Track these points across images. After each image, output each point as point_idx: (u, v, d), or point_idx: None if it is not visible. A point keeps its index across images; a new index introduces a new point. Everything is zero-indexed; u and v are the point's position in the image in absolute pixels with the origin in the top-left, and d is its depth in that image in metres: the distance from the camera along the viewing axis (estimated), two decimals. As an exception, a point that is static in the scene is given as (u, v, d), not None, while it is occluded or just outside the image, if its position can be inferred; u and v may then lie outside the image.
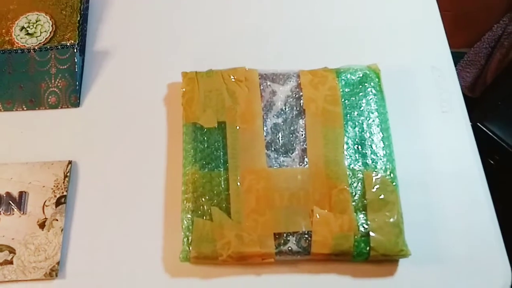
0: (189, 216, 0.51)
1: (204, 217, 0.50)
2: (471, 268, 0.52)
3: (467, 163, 0.57)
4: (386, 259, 0.51)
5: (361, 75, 0.58)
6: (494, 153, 0.96)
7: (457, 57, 1.17)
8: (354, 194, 0.52)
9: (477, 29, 1.15)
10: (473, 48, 1.15)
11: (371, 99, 0.57)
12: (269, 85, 0.57)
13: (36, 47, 0.60)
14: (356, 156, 0.53)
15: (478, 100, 1.05)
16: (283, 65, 0.59)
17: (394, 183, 0.52)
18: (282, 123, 0.55)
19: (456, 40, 1.18)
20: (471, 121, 0.62)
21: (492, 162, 0.99)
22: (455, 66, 1.16)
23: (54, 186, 0.54)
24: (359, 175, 0.52)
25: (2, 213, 0.53)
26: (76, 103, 0.59)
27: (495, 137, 0.88)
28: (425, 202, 0.55)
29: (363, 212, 0.51)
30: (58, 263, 0.50)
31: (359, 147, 0.54)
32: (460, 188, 0.56)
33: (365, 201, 0.51)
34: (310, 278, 0.51)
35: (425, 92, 0.61)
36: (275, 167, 0.53)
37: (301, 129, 0.55)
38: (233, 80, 0.57)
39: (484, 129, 0.87)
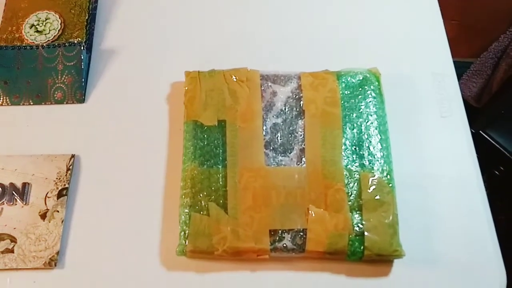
0: (186, 210, 0.52)
1: (202, 212, 0.51)
2: (466, 271, 0.52)
3: (465, 168, 0.58)
4: (380, 259, 0.51)
5: (361, 78, 0.59)
6: (498, 163, 0.95)
7: (463, 67, 1.18)
8: (350, 194, 0.52)
9: (484, 39, 1.15)
10: (479, 58, 1.15)
11: (370, 101, 0.57)
12: (270, 85, 0.58)
13: (44, 44, 0.62)
14: (353, 157, 0.54)
15: (482, 109, 1.04)
16: (285, 67, 0.60)
17: (390, 185, 0.53)
18: (281, 123, 0.56)
19: (462, 50, 1.18)
20: (474, 130, 0.62)
21: (497, 172, 0.99)
22: (461, 75, 1.16)
23: (57, 178, 0.55)
24: (355, 175, 0.53)
25: (5, 203, 0.54)
26: (81, 99, 0.61)
27: (498, 146, 0.87)
28: (422, 205, 0.55)
29: (359, 212, 0.51)
30: (57, 253, 0.52)
31: (357, 148, 0.55)
32: (458, 192, 0.56)
33: (360, 201, 0.52)
34: (304, 276, 0.52)
35: (425, 97, 0.62)
36: (273, 166, 0.54)
37: (300, 130, 0.56)
38: (234, 80, 0.58)
39: (487, 137, 0.87)
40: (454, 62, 0.65)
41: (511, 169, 0.93)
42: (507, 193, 1.00)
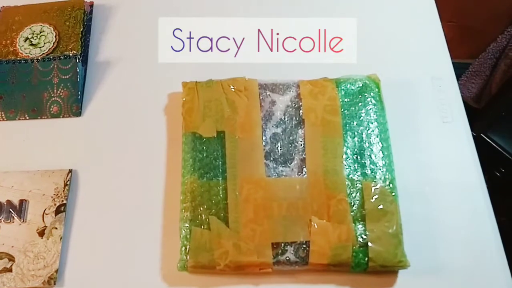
0: (187, 225, 0.51)
1: (202, 226, 0.50)
2: (472, 279, 0.51)
3: (468, 174, 0.57)
4: (385, 270, 0.50)
5: (361, 85, 0.58)
6: (499, 164, 0.95)
7: (462, 68, 1.17)
8: (352, 204, 0.51)
9: (482, 40, 1.14)
10: (478, 59, 1.15)
11: (370, 109, 0.57)
12: (269, 95, 0.58)
13: (39, 57, 0.61)
14: (355, 166, 0.53)
15: (482, 111, 1.04)
16: (282, 75, 0.59)
17: (393, 193, 0.52)
18: (281, 133, 0.55)
19: (460, 51, 1.17)
20: (474, 132, 0.61)
21: (498, 174, 0.98)
22: (460, 77, 1.16)
23: (54, 194, 0.54)
24: (358, 185, 0.52)
25: (2, 221, 0.53)
26: (78, 113, 0.60)
27: (499, 148, 0.87)
28: (425, 213, 0.54)
29: (362, 222, 0.51)
30: (56, 271, 0.51)
31: (358, 157, 0.54)
32: (461, 198, 0.55)
33: (363, 211, 0.51)
34: (308, 289, 0.51)
35: (425, 103, 0.61)
36: (273, 177, 0.53)
37: (300, 139, 0.55)
38: (232, 90, 0.57)
39: (488, 140, 0.86)
40: (453, 64, 0.65)
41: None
42: (508, 194, 0.99)
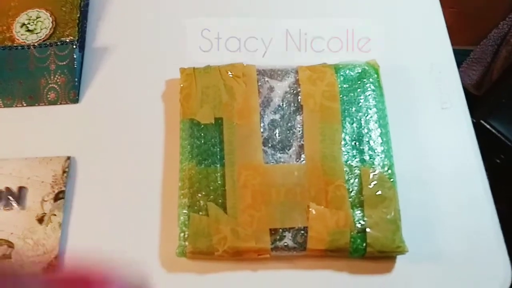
0: (185, 211, 0.51)
1: (200, 213, 0.51)
2: (470, 265, 0.51)
3: (467, 160, 0.57)
4: (383, 256, 0.50)
5: (360, 71, 0.58)
6: (499, 151, 0.94)
7: (463, 55, 1.16)
8: (351, 190, 0.51)
9: (483, 26, 1.13)
10: (479, 45, 1.14)
11: (369, 95, 0.56)
12: (267, 81, 0.57)
13: (36, 44, 0.61)
14: (353, 152, 0.53)
15: (482, 97, 1.03)
16: (281, 61, 0.59)
17: (392, 180, 0.52)
18: (279, 119, 0.55)
19: (461, 38, 1.16)
20: (475, 119, 0.61)
21: (498, 161, 0.98)
22: (461, 64, 1.15)
23: (53, 181, 0.54)
24: (356, 171, 0.52)
25: (1, 208, 0.53)
26: (75, 99, 0.60)
27: (499, 135, 0.86)
28: (424, 199, 0.54)
29: (360, 208, 0.50)
30: (56, 257, 0.51)
31: (357, 143, 0.54)
32: (460, 185, 0.55)
33: (362, 197, 0.51)
34: (306, 274, 0.51)
35: (425, 89, 0.61)
36: (271, 163, 0.53)
37: (299, 125, 0.55)
38: (230, 76, 0.57)
39: (488, 127, 0.86)
40: (453, 50, 0.64)
41: (513, 157, 0.92)
42: (508, 181, 0.99)
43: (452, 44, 0.64)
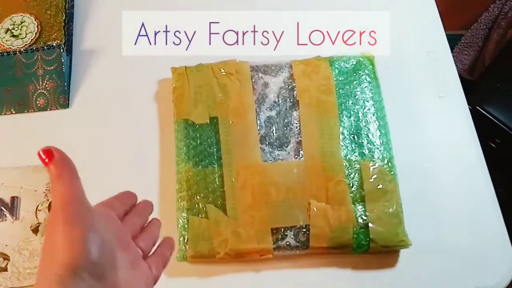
0: (184, 214, 0.50)
1: (200, 215, 0.50)
2: (474, 256, 0.51)
3: (466, 148, 0.56)
4: (386, 250, 0.50)
5: (354, 63, 0.57)
6: (495, 136, 0.94)
7: (454, 40, 1.15)
8: (351, 185, 0.50)
9: (474, 10, 1.12)
10: (470, 30, 1.13)
11: (365, 87, 0.55)
12: (261, 77, 0.56)
13: (22, 49, 0.59)
14: (352, 146, 0.52)
15: (477, 83, 1.03)
16: (274, 56, 0.57)
17: (392, 172, 0.51)
18: (275, 116, 0.54)
19: (452, 23, 1.15)
20: (469, 105, 0.60)
21: (493, 145, 0.97)
22: (453, 49, 1.14)
23: (47, 189, 0.53)
24: (356, 165, 0.51)
25: (-6, 219, 0.52)
26: (65, 104, 0.58)
27: (495, 120, 0.86)
28: (425, 191, 0.54)
29: (362, 203, 0.50)
30: (53, 268, 0.50)
31: (355, 137, 0.53)
32: (460, 174, 0.55)
33: (363, 191, 0.50)
34: (310, 273, 0.50)
35: (421, 78, 0.60)
36: (270, 161, 0.52)
37: (296, 121, 0.54)
38: (223, 73, 0.56)
39: (484, 112, 0.86)
40: (445, 36, 0.63)
41: (508, 141, 0.92)
42: (504, 166, 0.99)
43: (444, 30, 0.63)
